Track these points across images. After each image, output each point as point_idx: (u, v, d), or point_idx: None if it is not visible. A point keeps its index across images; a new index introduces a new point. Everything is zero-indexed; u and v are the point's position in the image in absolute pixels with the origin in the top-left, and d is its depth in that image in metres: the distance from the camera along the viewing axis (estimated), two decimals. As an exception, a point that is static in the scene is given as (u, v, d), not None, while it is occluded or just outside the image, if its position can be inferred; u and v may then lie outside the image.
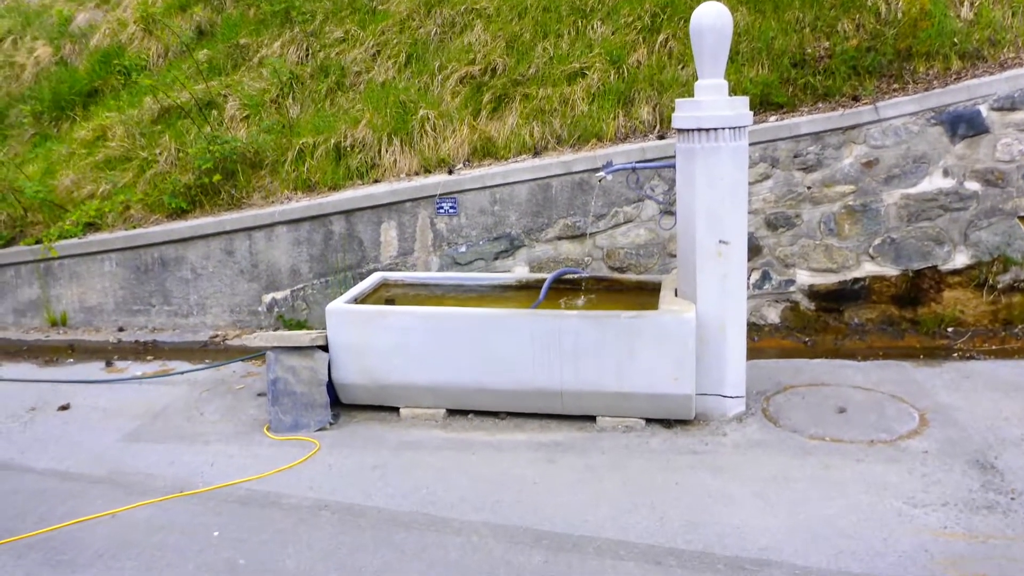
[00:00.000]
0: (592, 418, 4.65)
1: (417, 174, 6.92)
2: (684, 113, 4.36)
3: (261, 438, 4.69)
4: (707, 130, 4.28)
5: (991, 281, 5.99)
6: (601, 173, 4.64)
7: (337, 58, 8.17)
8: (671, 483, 3.93)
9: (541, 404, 4.63)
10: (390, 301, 5.26)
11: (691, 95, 6.63)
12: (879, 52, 6.43)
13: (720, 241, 4.39)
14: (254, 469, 4.28)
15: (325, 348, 4.78)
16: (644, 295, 5.03)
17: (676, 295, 4.70)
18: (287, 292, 6.79)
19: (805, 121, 6.01)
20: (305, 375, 4.74)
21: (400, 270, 6.60)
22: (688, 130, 4.35)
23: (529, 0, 7.88)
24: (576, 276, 5.26)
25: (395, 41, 8.08)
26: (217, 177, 7.13)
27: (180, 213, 7.15)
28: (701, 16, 4.24)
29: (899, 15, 6.64)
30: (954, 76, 6.14)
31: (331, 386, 4.84)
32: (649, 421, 4.60)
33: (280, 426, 4.75)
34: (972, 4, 6.61)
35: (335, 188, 7.00)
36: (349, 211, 6.59)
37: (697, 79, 4.43)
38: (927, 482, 3.83)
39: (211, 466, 4.35)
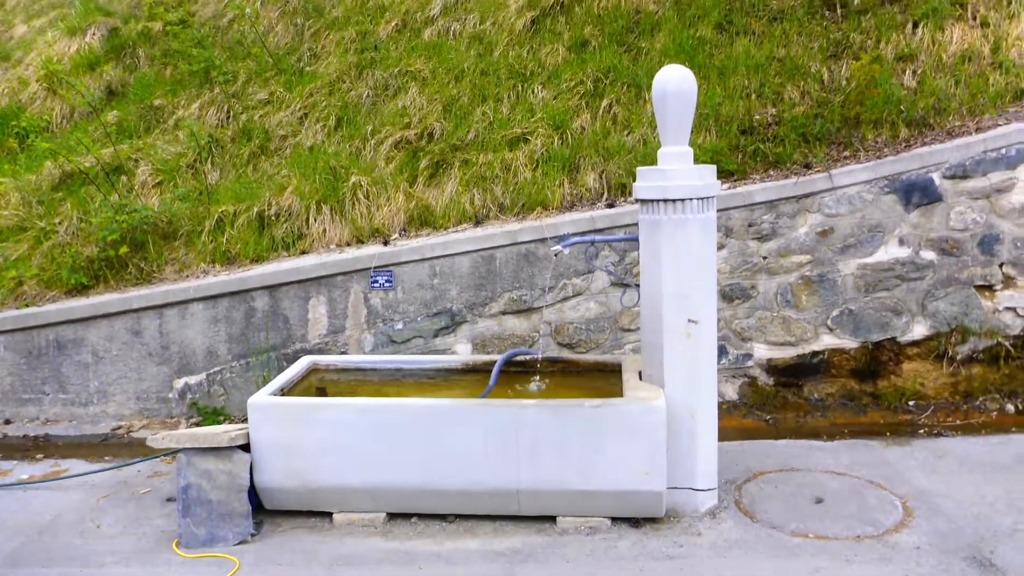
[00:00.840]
0: (552, 519, 4.18)
1: (349, 245, 6.44)
2: (648, 183, 4.05)
3: (170, 556, 4.05)
4: (673, 201, 3.97)
5: (950, 352, 5.82)
6: (556, 247, 4.27)
7: (261, 121, 7.70)
8: (650, 599, 3.48)
9: (495, 505, 4.14)
10: (321, 390, 4.72)
11: (639, 163, 6.48)
12: (827, 119, 6.34)
13: (689, 320, 4.05)
14: (160, 598, 3.64)
15: (246, 448, 4.20)
16: (605, 378, 4.64)
17: (640, 378, 4.32)
18: (202, 376, 6.16)
19: (759, 189, 5.82)
20: (222, 480, 4.14)
21: (330, 350, 6.06)
22: (652, 201, 4.03)
23: (466, 63, 7.62)
24: (528, 357, 4.84)
25: (324, 104, 7.68)
26: (124, 249, 6.50)
27: (81, 289, 6.47)
28: (665, 81, 3.97)
29: (843, 82, 6.59)
30: (903, 144, 6.07)
31: (252, 491, 4.25)
32: (615, 520, 4.15)
33: (193, 540, 4.12)
34: (915, 73, 6.61)
35: (258, 260, 6.46)
36: (273, 286, 6.05)
37: (660, 147, 4.14)
38: (928, 587, 3.48)
39: (108, 596, 3.69)
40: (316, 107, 7.66)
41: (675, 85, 3.97)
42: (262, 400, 4.23)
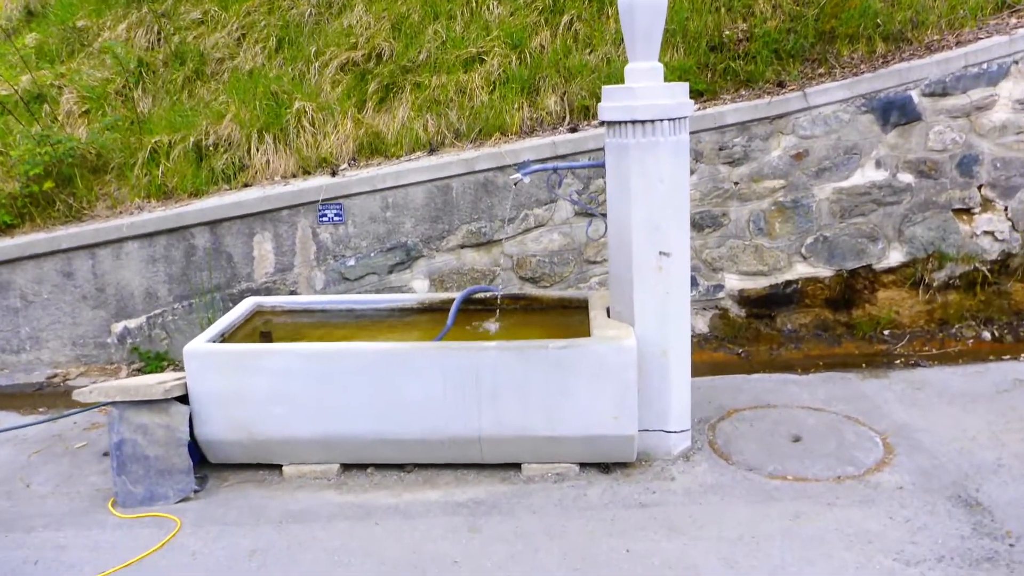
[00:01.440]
0: (517, 466, 3.96)
1: (295, 176, 6.03)
2: (614, 103, 3.71)
3: (105, 517, 3.76)
4: (643, 122, 3.63)
5: (926, 279, 5.65)
6: (516, 175, 3.93)
7: (195, 43, 7.13)
8: (621, 552, 3.28)
9: (455, 453, 3.90)
10: (266, 335, 4.39)
11: (603, 83, 6.08)
12: (800, 34, 5.99)
13: (660, 253, 3.77)
14: (92, 566, 3.36)
15: (185, 399, 3.89)
16: (570, 316, 4.37)
17: (608, 315, 4.06)
18: (142, 320, 5.78)
19: (730, 110, 5.50)
20: (160, 435, 3.83)
21: (279, 289, 5.71)
22: (619, 123, 3.70)
23: (416, -23, 7.08)
24: (488, 294, 4.55)
25: (263, 23, 7.12)
26: (49, 184, 6.01)
27: (4, 229, 6.00)
28: (633, -13, 3.59)
29: (817, -5, 6.22)
30: (881, 60, 5.76)
31: (195, 445, 3.95)
32: (584, 466, 3.94)
33: (130, 499, 3.83)
34: (892, -17, 6.25)
35: (197, 195, 6.02)
36: (214, 221, 5.64)
37: (626, 63, 3.78)
38: (912, 528, 3.32)
39: (34, 565, 3.40)
40: (255, 27, 7.10)
41: (644, -7, 3.59)
42: (200, 348, 3.90)
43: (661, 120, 3.63)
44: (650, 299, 3.83)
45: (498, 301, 4.49)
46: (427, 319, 4.50)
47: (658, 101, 3.63)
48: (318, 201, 5.59)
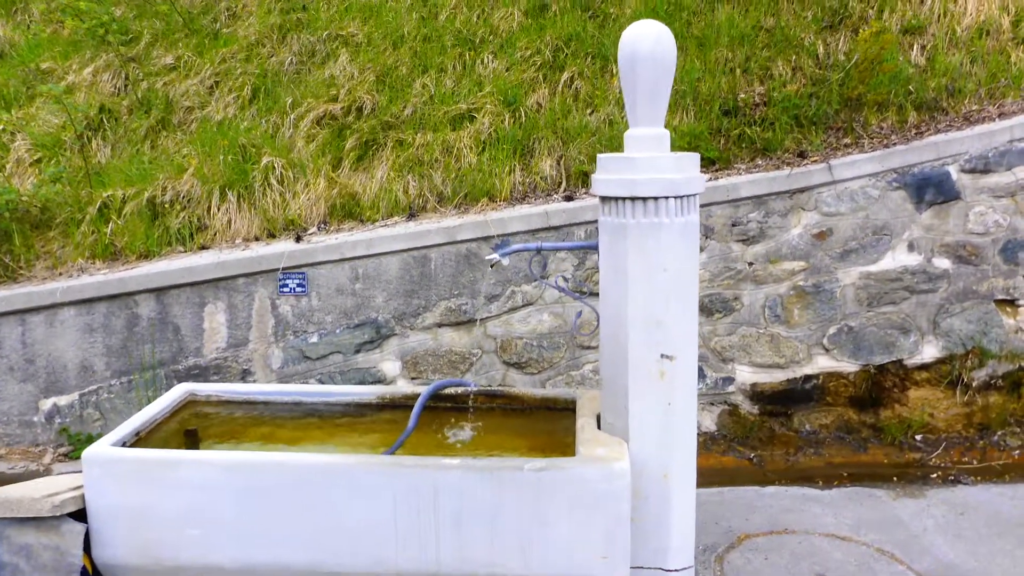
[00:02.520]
0: (482, 607, 3.27)
1: (258, 240, 5.45)
2: (610, 175, 3.12)
3: (-30, 662, 3.08)
4: (644, 199, 3.04)
5: (965, 378, 5.01)
6: (494, 255, 3.34)
7: (164, 89, 6.63)
8: None
9: (408, 591, 3.22)
10: (192, 434, 3.75)
11: (604, 147, 5.54)
12: (823, 100, 5.46)
13: (663, 356, 3.14)
14: None
15: (81, 515, 3.23)
16: (556, 421, 3.72)
17: (599, 425, 3.41)
18: (74, 396, 5.14)
19: (745, 182, 4.93)
20: (46, 558, 3.17)
21: (229, 367, 5.08)
22: (616, 199, 3.11)
23: (407, 27, 6.61)
24: (460, 390, 3.91)
25: (239, 71, 6.63)
26: (-17, 240, 5.45)
27: (-71, 288, 5.41)
28: (635, 40, 3.04)
29: (841, 57, 5.71)
30: (914, 131, 5.21)
31: (92, 571, 3.28)
32: (564, 610, 3.26)
33: (5, 639, 3.14)
34: (924, 48, 5.75)
35: (147, 257, 5.44)
36: (161, 288, 5.05)
37: (628, 127, 3.21)
38: None
39: None
40: (230, 75, 6.61)
41: (648, 46, 3.04)
42: (101, 453, 3.25)
43: (666, 198, 3.04)
44: (649, 411, 3.19)
45: (471, 400, 3.84)
46: (387, 418, 3.85)
47: (663, 175, 3.04)
48: (279, 269, 4.99)
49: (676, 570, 3.33)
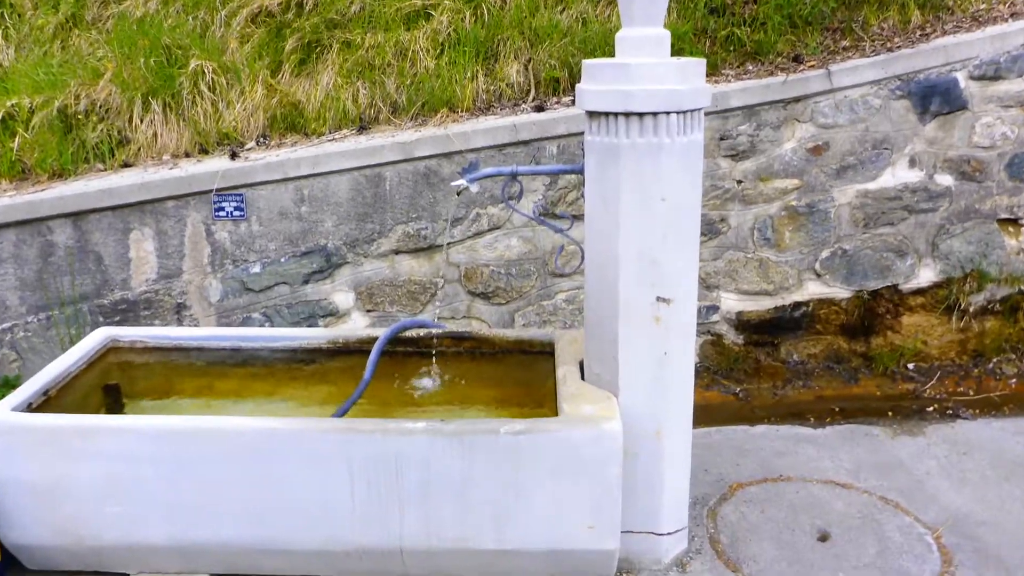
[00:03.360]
0: (454, 580, 2.93)
1: (189, 156, 4.85)
2: (600, 85, 2.63)
3: None
4: (642, 115, 2.57)
5: (962, 303, 4.72)
6: (461, 181, 2.86)
7: (75, -20, 5.84)
8: None
9: (368, 568, 2.86)
10: (113, 388, 3.27)
11: (577, 49, 4.93)
12: (820, -3, 4.93)
13: (659, 299, 2.73)
14: None
15: (-18, 490, 2.78)
16: (532, 367, 3.33)
17: (582, 375, 3.02)
18: (-14, 336, 4.60)
19: (735, 90, 4.45)
20: (-59, 544, 2.73)
21: (161, 301, 4.56)
22: (606, 114, 2.62)
23: (351, -90, 5.84)
24: (423, 332, 3.47)
25: (160, -41, 5.84)
26: None
27: None
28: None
29: (838, -51, 5.16)
30: (918, 33, 4.75)
31: (3, 555, 2.86)
32: (545, 581, 2.93)
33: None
34: (927, -62, 5.22)
35: (61, 176, 4.81)
36: (79, 213, 4.46)
37: (619, 28, 2.70)
38: None
39: None
40: (149, -36, 5.82)
41: (649, -74, 2.51)
42: (4, 420, 2.78)
43: (667, 113, 2.57)
44: (642, 361, 2.79)
45: (435, 343, 3.41)
46: (340, 366, 3.42)
47: (664, 85, 2.56)
48: (212, 191, 4.43)
49: (668, 533, 3.01)
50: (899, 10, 4.91)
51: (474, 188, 2.89)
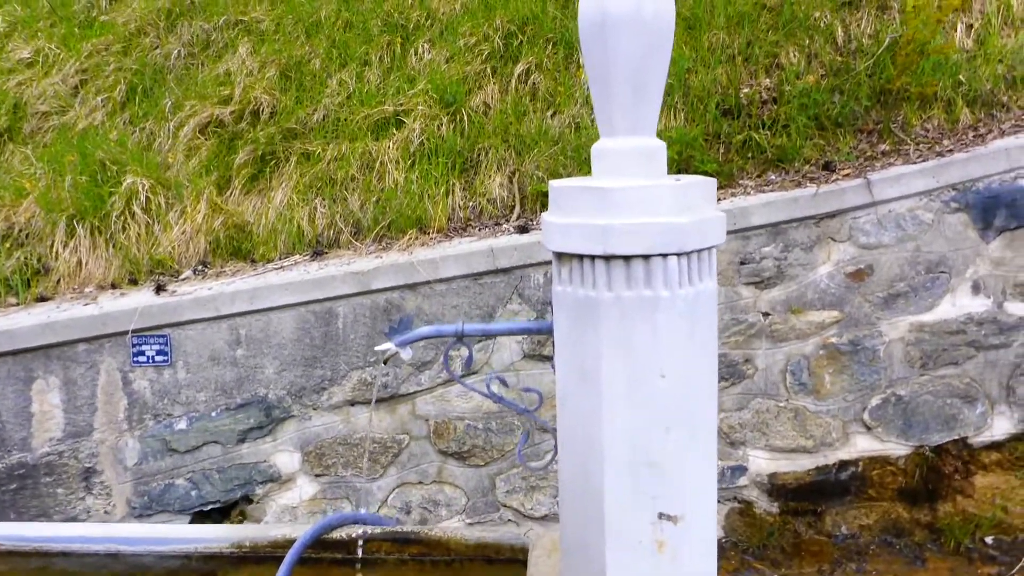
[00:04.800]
0: None
1: (116, 287, 4.17)
2: (569, 217, 1.90)
3: None
4: (628, 259, 1.82)
5: (1048, 459, 3.84)
6: (387, 345, 2.11)
7: (17, 90, 5.33)
8: None
9: None
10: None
11: (569, 160, 4.27)
12: (849, 95, 4.28)
13: (661, 516, 1.92)
14: None
15: None
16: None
17: (561, 609, 2.17)
18: None
19: (757, 204, 3.73)
20: None
21: (65, 466, 3.78)
22: (580, 257, 1.88)
23: (324, 10, 5.36)
24: (357, 532, 2.65)
25: (112, 66, 5.34)
26: None
27: None
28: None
29: (866, 40, 4.55)
30: (971, 133, 4.05)
31: None
32: None
33: None
34: (970, 29, 4.60)
35: (-36, 312, 4.14)
36: (-28, 359, 3.75)
37: (598, 137, 2.00)
38: None
39: None
40: (100, 71, 5.32)
41: (631, 3, 1.82)
42: None
43: (665, 256, 1.82)
44: (640, 604, 1.96)
45: (374, 545, 2.59)
46: (244, 579, 2.60)
47: (659, 216, 1.82)
48: (132, 332, 3.72)
49: None
50: (944, 108, 4.24)
51: (406, 355, 2.14)
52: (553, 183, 1.99)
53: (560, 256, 1.94)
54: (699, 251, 1.88)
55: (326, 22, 5.31)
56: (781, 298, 3.78)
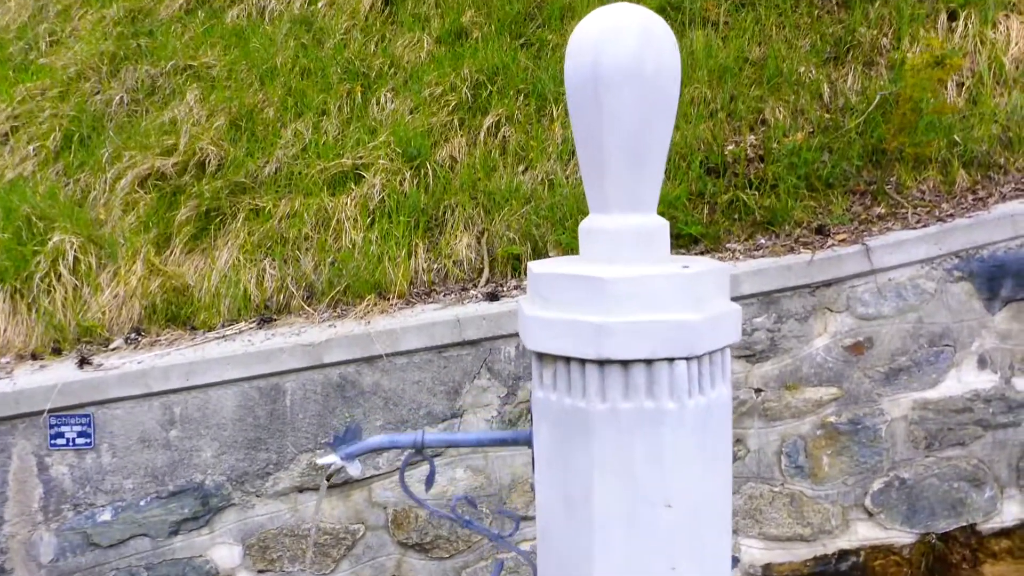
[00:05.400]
0: None
1: (37, 358, 3.75)
2: (553, 310, 1.58)
3: None
4: (626, 364, 1.50)
5: (1062, 548, 3.54)
6: (330, 457, 1.78)
7: (-60, 138, 4.93)
8: None
9: None
10: None
11: (542, 219, 3.92)
12: (839, 154, 4.06)
13: (668, 678, 1.57)
14: None
15: None
16: None
17: None
18: None
19: (748, 272, 3.45)
20: None
21: (-32, 565, 3.33)
22: (567, 360, 1.55)
23: (280, 57, 5.06)
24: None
25: (47, 113, 4.97)
26: None
27: None
28: (602, 41, 1.55)
29: (852, 96, 4.36)
30: (970, 196, 3.83)
31: None
32: None
33: None
34: (961, 87, 4.42)
35: None
36: None
37: (585, 212, 1.70)
38: None
39: None
40: (34, 119, 4.95)
41: (630, 50, 1.54)
42: None
43: (671, 360, 1.50)
44: None
45: None
46: None
47: (665, 313, 1.51)
48: (46, 412, 3.30)
49: None
50: (940, 170, 4.02)
51: (355, 469, 1.78)
52: (533, 267, 1.67)
53: (542, 357, 1.60)
54: (712, 353, 1.56)
55: (282, 68, 5.00)
56: (775, 373, 3.48)
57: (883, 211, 3.83)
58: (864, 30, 4.78)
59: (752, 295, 3.45)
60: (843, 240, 3.59)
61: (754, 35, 4.87)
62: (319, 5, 5.55)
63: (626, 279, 1.51)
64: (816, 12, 5.00)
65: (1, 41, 5.67)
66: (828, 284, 3.49)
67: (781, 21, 4.97)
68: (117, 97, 5.04)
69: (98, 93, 5.11)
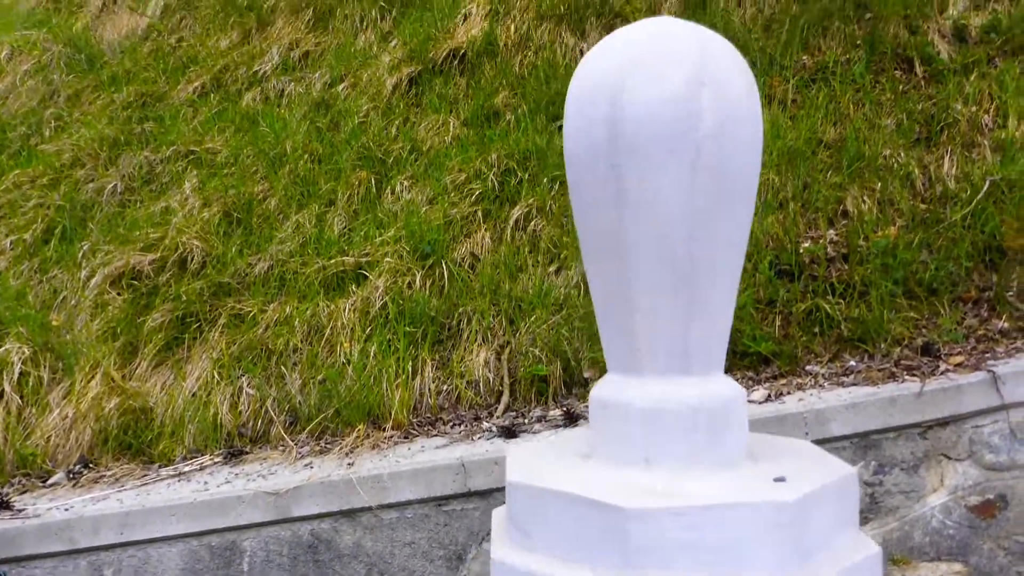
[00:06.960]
0: None
1: (-36, 491, 3.12)
2: (531, 558, 0.85)
3: None
4: None
5: None
6: None
7: (-85, 232, 4.49)
8: None
9: None
10: None
11: (577, 332, 3.20)
12: (944, 253, 3.30)
13: None
14: None
15: None
16: None
17: None
18: None
19: (839, 406, 2.72)
20: None
21: None
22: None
23: (291, 141, 4.55)
24: None
25: (33, 202, 4.51)
26: None
27: None
28: (623, 76, 0.84)
29: (951, 183, 3.62)
30: (1119, 308, 3.02)
31: None
32: None
33: None
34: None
35: None
36: None
37: (607, 368, 0.98)
38: None
39: None
40: (15, 211, 4.49)
41: (677, 93, 0.84)
42: None
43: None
44: None
45: None
46: None
47: (746, 570, 0.77)
48: (-52, 571, 2.65)
49: None
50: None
51: None
52: (512, 469, 0.97)
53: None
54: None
55: (291, 155, 4.49)
56: (876, 540, 2.66)
57: (1007, 325, 3.04)
58: (960, 107, 4.08)
59: (845, 436, 2.68)
60: (960, 365, 2.81)
61: (828, 114, 4.20)
62: (340, 88, 5.07)
63: (670, 512, 0.80)
64: (900, 87, 4.32)
65: (4, 126, 5.31)
66: (944, 423, 2.69)
67: (859, 98, 4.30)
68: (110, 185, 4.57)
69: (91, 181, 4.65)
